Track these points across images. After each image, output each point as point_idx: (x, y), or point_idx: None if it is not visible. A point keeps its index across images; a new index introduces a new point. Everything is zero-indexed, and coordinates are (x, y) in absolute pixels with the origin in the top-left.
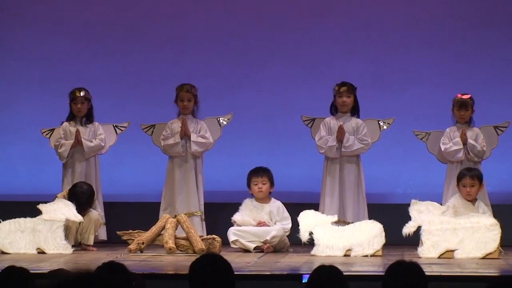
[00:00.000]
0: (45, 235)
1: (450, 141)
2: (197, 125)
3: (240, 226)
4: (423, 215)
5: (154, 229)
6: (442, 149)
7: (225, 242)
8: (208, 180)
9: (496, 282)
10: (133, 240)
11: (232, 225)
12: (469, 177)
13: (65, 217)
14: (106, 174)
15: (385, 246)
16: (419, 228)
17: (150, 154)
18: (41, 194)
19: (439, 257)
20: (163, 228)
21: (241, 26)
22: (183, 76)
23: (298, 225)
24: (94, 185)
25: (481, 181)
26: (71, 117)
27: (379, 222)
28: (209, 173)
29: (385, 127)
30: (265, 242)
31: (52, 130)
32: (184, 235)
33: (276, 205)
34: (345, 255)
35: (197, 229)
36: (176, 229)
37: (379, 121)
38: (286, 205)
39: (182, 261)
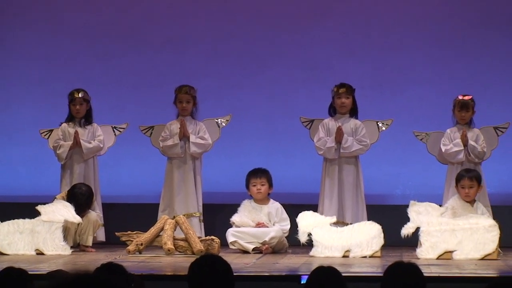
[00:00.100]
0: (43, 236)
1: (450, 142)
2: (196, 126)
3: (239, 227)
4: (422, 216)
5: (152, 230)
6: (443, 150)
7: (224, 243)
8: (206, 181)
9: (495, 283)
10: (132, 241)
11: (231, 226)
12: (468, 178)
13: (64, 218)
14: (105, 175)
15: (383, 247)
16: (417, 229)
17: (148, 156)
18: (40, 195)
19: (437, 258)
20: (162, 229)
21: (240, 26)
22: (183, 77)
23: (297, 226)
24: (93, 186)
25: (480, 183)
26: (69, 118)
27: (378, 223)
28: (207, 174)
29: (383, 128)
30: (263, 243)
31: (51, 131)
32: (182, 236)
33: (274, 206)
34: (343, 256)
35: (196, 230)
36: (174, 230)
37: (377, 122)
38: (285, 206)
39: (181, 262)
